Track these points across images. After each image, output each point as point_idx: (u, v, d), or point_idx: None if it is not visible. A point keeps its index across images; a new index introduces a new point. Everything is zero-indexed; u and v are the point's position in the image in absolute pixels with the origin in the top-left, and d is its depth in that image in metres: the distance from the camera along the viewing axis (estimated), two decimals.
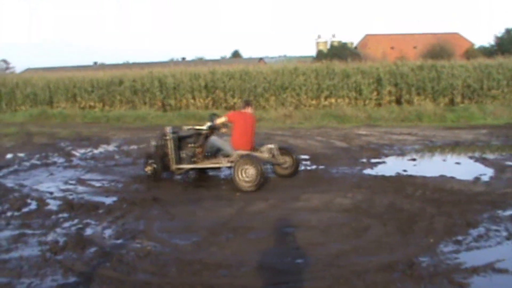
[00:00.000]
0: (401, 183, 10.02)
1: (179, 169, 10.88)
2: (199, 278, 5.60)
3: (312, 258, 6.07)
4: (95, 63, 79.14)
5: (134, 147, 15.96)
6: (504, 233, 6.94)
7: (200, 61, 65.83)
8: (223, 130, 11.25)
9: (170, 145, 10.80)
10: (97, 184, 10.73)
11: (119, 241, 6.95)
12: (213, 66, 30.14)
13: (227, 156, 10.59)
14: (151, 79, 28.33)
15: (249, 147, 10.60)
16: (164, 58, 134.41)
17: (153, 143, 11.33)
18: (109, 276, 5.73)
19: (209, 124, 11.07)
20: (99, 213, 8.36)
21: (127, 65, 50.92)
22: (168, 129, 11.01)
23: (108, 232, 7.37)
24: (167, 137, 10.85)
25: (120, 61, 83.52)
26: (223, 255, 6.20)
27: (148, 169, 10.92)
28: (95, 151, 15.24)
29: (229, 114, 11.17)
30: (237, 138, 10.54)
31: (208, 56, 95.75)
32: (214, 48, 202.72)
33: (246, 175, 9.70)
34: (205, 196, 9.42)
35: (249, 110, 11.06)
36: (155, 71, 29.15)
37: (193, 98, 27.58)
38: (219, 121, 10.94)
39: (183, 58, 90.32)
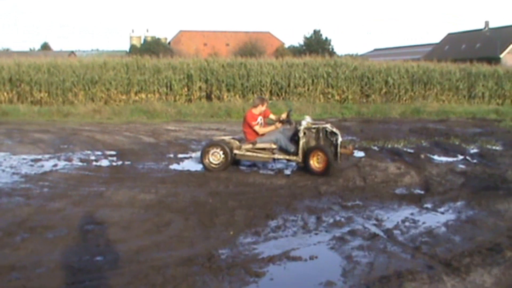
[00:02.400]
0: (206, 177, 10.22)
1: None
2: None
3: (112, 255, 5.98)
4: None
5: None
6: (300, 223, 7.35)
7: (6, 52, 62.38)
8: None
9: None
10: None
11: None
12: (19, 58, 28.61)
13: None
14: None
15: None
16: None
17: None
18: None
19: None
20: None
21: None
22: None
23: None
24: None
25: None
26: (17, 257, 5.88)
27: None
28: None
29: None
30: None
31: (15, 48, 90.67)
32: (22, 40, 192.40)
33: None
34: (1, 194, 8.86)
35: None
36: None
37: None
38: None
39: None
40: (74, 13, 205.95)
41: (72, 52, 77.32)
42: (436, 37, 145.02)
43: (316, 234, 6.92)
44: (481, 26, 70.28)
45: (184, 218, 7.46)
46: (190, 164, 11.61)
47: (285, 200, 8.55)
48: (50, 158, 12.38)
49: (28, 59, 29.00)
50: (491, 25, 68.44)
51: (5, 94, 26.04)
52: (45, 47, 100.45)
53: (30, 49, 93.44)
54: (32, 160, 11.98)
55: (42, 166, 11.40)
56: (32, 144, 14.44)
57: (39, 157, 12.43)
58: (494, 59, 45.44)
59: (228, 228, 7.04)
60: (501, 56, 58.33)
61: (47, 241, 6.45)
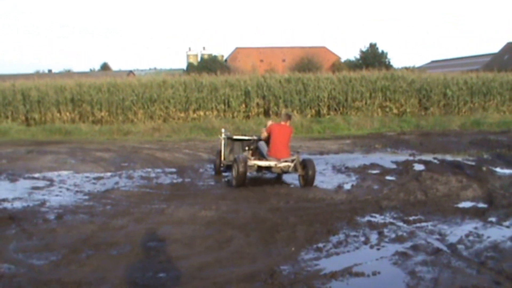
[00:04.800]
0: (266, 193, 10.23)
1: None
2: None
3: (175, 271, 6.02)
4: None
5: None
6: (362, 238, 7.27)
7: (67, 73, 63.96)
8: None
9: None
10: None
11: None
12: (80, 79, 29.34)
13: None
14: (13, 91, 27.15)
15: (279, 155, 11.26)
16: (29, 70, 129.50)
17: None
18: None
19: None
20: None
21: None
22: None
23: None
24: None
25: None
26: (83, 273, 5.98)
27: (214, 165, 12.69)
28: None
29: (269, 126, 11.68)
30: (270, 147, 11.44)
31: (76, 69, 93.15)
32: (83, 61, 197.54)
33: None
34: (66, 212, 9.07)
35: (288, 123, 11.82)
36: (18, 84, 28.00)
37: (59, 111, 26.83)
38: (263, 135, 11.85)
39: (50, 70, 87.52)
40: (132, 32, 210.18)
41: (131, 71, 78.74)
42: (495, 47, 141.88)
43: (379, 249, 6.83)
44: None
45: (245, 235, 7.46)
46: (249, 181, 11.61)
47: (346, 215, 8.49)
48: (111, 176, 12.62)
49: (89, 79, 29.70)
50: None
51: (68, 114, 26.71)
52: (105, 67, 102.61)
53: (90, 70, 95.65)
54: (94, 178, 12.23)
55: (104, 184, 11.63)
56: (94, 163, 14.76)
57: (101, 175, 12.69)
58: None
59: (290, 244, 7.00)
60: None
61: (111, 258, 6.55)
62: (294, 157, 11.20)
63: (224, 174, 12.51)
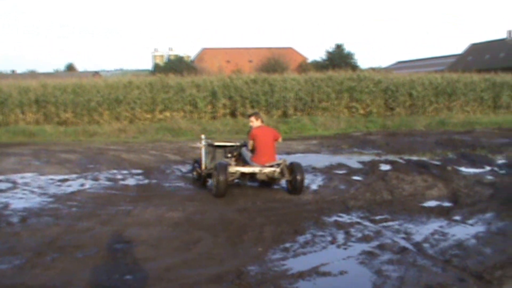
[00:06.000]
0: (233, 194, 10.23)
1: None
2: None
3: (141, 273, 5.97)
4: None
5: None
6: (329, 238, 7.31)
7: (31, 74, 63.22)
8: None
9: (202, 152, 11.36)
10: None
11: None
12: (45, 80, 28.99)
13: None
14: None
15: (264, 160, 10.67)
16: None
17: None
18: None
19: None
20: None
21: None
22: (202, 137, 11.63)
23: None
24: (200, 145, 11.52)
25: None
26: (48, 277, 5.89)
27: (195, 173, 11.52)
28: None
29: (251, 133, 10.97)
30: (254, 152, 10.91)
31: (40, 69, 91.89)
32: (47, 61, 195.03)
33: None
34: (30, 214, 8.89)
35: (260, 123, 11.15)
36: None
37: (23, 113, 26.46)
38: (250, 145, 11.05)
39: (13, 71, 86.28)
40: (97, 33, 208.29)
41: (97, 72, 78.17)
42: (459, 48, 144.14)
43: (345, 249, 6.86)
44: (504, 35, 69.63)
45: (212, 236, 7.44)
46: None
47: (313, 216, 8.51)
48: (77, 178, 12.47)
49: (54, 80, 29.40)
50: None
51: (32, 115, 26.38)
52: (70, 68, 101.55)
53: (55, 70, 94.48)
54: (59, 180, 12.08)
55: (70, 186, 11.49)
56: (59, 164, 14.57)
57: (67, 177, 12.53)
58: None
59: (257, 245, 7.00)
60: None
61: (77, 261, 6.46)
62: (280, 161, 10.59)
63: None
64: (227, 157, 11.37)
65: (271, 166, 10.53)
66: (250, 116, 11.44)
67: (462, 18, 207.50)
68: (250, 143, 10.92)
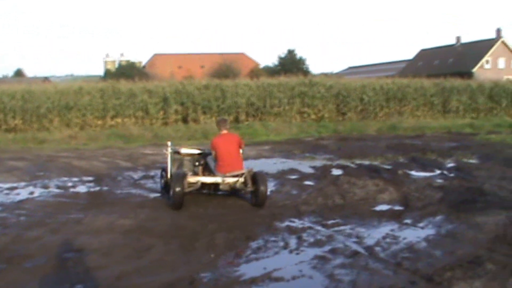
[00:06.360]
0: (185, 201, 10.09)
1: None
2: None
3: (93, 282, 5.91)
4: None
5: None
6: (281, 243, 7.35)
7: None
8: None
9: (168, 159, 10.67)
10: None
11: None
12: None
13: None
14: None
15: (223, 170, 10.12)
16: None
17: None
18: None
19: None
20: None
21: None
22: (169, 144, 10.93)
23: None
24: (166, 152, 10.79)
25: None
26: None
27: (162, 181, 10.88)
28: None
29: (211, 143, 10.41)
30: (217, 161, 10.31)
31: None
32: None
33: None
34: None
35: (224, 131, 10.52)
36: None
37: None
38: (213, 155, 10.44)
39: None
40: (47, 38, 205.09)
41: (46, 78, 76.78)
42: (409, 54, 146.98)
43: (298, 254, 6.92)
44: (453, 41, 71.25)
45: (164, 243, 7.41)
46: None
47: (265, 221, 8.56)
48: (26, 185, 12.22)
49: (1, 86, 28.82)
50: (463, 40, 69.45)
51: None
52: (19, 73, 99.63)
53: (3, 76, 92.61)
54: (7, 189, 11.81)
55: (18, 194, 11.25)
56: (7, 172, 14.24)
57: (15, 185, 12.26)
58: (466, 74, 46.27)
59: (209, 251, 7.00)
60: (474, 70, 59.22)
61: (26, 271, 6.33)
62: (243, 171, 10.02)
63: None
64: (195, 166, 10.86)
65: (234, 176, 10.04)
66: (220, 124, 10.78)
67: (412, 24, 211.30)
68: (213, 153, 10.34)
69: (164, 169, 10.86)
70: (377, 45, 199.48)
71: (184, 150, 11.20)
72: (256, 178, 9.80)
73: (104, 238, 7.69)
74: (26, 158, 17.21)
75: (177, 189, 9.35)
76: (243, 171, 10.05)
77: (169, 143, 10.98)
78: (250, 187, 9.85)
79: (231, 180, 9.99)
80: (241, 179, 9.92)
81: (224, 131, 10.50)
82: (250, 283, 5.81)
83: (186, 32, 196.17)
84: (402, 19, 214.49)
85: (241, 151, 10.59)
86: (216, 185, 10.22)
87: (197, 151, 11.15)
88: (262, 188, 9.60)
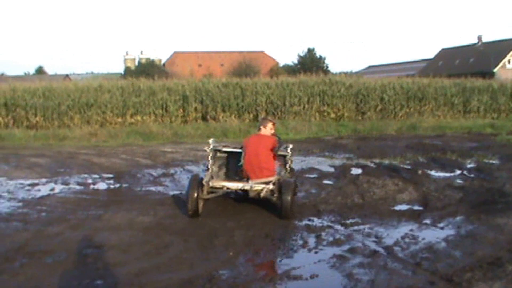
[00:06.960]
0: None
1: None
2: None
3: (112, 278, 5.93)
4: None
5: None
6: (300, 242, 7.33)
7: (0, 77, 62.52)
8: None
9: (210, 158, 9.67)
10: None
11: None
12: (14, 83, 28.63)
13: None
14: None
15: (251, 175, 9.03)
16: None
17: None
18: None
19: None
20: None
21: None
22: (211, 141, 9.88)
23: None
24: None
25: None
26: (16, 283, 5.82)
27: None
28: None
29: (244, 141, 9.57)
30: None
31: (9, 73, 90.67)
32: (17, 64, 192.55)
33: None
34: None
35: (261, 131, 9.57)
36: None
37: None
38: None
39: None
40: (68, 36, 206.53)
41: (67, 75, 77.33)
42: (430, 53, 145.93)
43: (316, 252, 6.90)
44: (474, 41, 70.72)
45: (183, 240, 7.43)
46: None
47: (284, 219, 8.51)
48: (47, 182, 12.32)
49: (23, 83, 29.03)
50: (484, 40, 68.93)
51: (1, 119, 26.01)
52: (40, 71, 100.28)
53: (25, 74, 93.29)
54: (29, 185, 11.92)
55: (39, 190, 11.35)
56: (28, 169, 14.38)
57: (36, 181, 12.37)
58: (488, 74, 45.87)
59: (228, 249, 7.00)
60: (495, 70, 58.77)
61: (46, 266, 6.39)
62: (271, 179, 8.86)
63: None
64: (238, 166, 9.63)
65: (258, 184, 8.90)
66: (262, 123, 9.82)
67: (433, 24, 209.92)
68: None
69: (207, 169, 9.77)
70: (398, 44, 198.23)
71: (227, 148, 10.26)
72: (281, 186, 8.74)
73: (124, 234, 7.74)
74: (47, 155, 17.36)
75: (192, 192, 8.57)
76: (270, 179, 8.94)
77: (210, 141, 9.92)
78: (276, 197, 8.78)
79: (259, 187, 8.83)
80: (270, 187, 8.76)
81: (262, 131, 9.55)
82: (269, 282, 5.81)
83: (206, 30, 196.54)
84: (423, 18, 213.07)
85: (289, 157, 9.93)
86: (244, 190, 9.15)
87: (241, 150, 9.72)
88: (285, 198, 8.40)
